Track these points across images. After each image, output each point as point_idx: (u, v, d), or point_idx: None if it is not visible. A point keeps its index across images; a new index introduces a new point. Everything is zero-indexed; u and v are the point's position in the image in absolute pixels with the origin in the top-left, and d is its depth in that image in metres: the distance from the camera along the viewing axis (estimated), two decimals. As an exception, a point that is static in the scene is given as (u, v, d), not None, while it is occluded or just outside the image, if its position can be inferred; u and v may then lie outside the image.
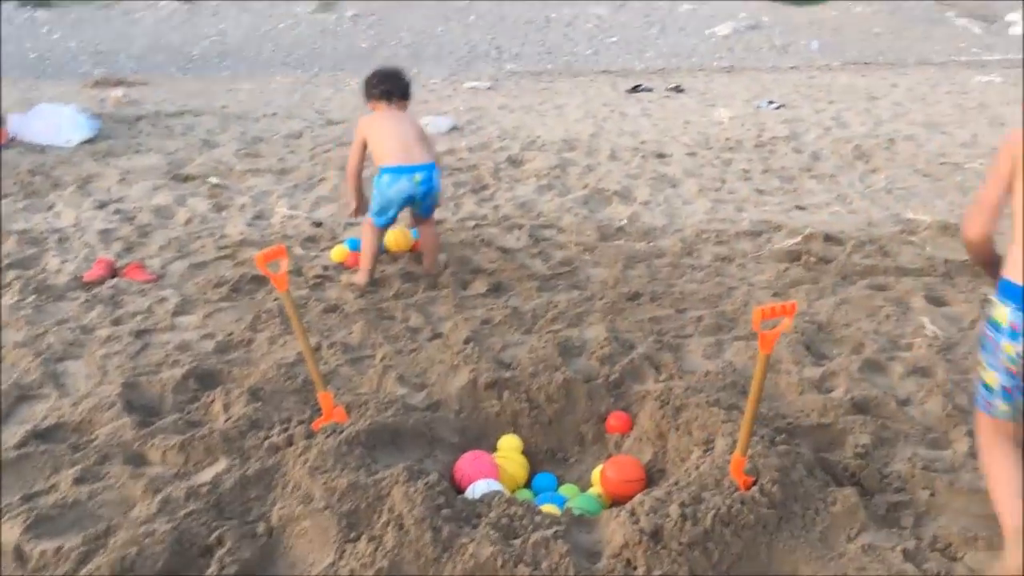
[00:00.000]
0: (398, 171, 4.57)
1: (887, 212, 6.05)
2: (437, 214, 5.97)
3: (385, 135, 4.67)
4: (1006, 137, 2.57)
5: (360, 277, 4.70)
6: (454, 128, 9.18)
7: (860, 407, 3.36)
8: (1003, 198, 2.55)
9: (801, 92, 11.48)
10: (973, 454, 3.02)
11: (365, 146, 4.74)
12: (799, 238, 5.36)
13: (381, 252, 4.90)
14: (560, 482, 3.22)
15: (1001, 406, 2.56)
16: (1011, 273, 2.46)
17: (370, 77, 4.90)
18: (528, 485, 3.19)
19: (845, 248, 5.20)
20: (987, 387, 2.59)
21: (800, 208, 6.22)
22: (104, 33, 18.44)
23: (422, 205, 4.73)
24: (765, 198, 6.50)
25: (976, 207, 2.61)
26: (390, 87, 4.80)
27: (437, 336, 4.08)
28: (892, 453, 3.06)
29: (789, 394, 3.52)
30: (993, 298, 2.52)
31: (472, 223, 5.85)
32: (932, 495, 2.82)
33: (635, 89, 12.04)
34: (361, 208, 4.91)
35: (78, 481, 2.90)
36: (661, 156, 7.83)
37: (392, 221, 4.75)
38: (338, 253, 5.09)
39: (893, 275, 4.79)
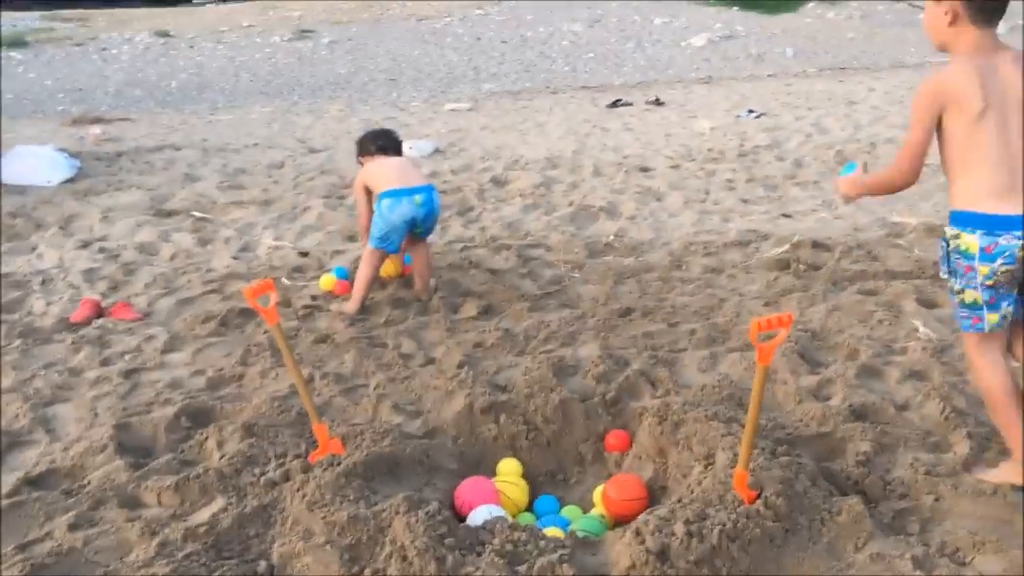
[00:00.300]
0: (398, 194, 4.60)
1: (873, 216, 6.07)
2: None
3: (382, 168, 4.82)
4: (928, 85, 2.78)
5: (351, 305, 4.67)
6: (436, 151, 9.17)
7: (859, 414, 3.35)
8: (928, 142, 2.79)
9: (780, 100, 11.55)
10: (973, 455, 3.02)
11: (369, 193, 4.85)
12: (787, 246, 5.37)
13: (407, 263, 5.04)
14: (562, 504, 3.19)
15: (990, 317, 2.82)
16: (968, 204, 2.76)
17: (365, 136, 5.15)
18: (530, 508, 3.16)
19: (834, 254, 5.22)
20: (971, 306, 2.83)
21: (786, 216, 6.24)
22: (80, 70, 18.39)
23: (423, 228, 4.77)
24: (751, 207, 6.51)
25: (911, 154, 2.80)
26: (385, 143, 5.02)
27: (430, 362, 4.06)
28: (894, 459, 3.05)
29: (787, 404, 3.51)
30: (951, 229, 2.80)
31: (460, 246, 5.83)
32: (937, 500, 2.81)
33: (615, 104, 12.07)
34: None
35: (73, 527, 2.85)
36: (645, 170, 7.84)
37: (396, 248, 4.76)
38: (326, 282, 5.06)
39: (883, 279, 4.80)
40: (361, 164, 5.04)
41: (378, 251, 4.67)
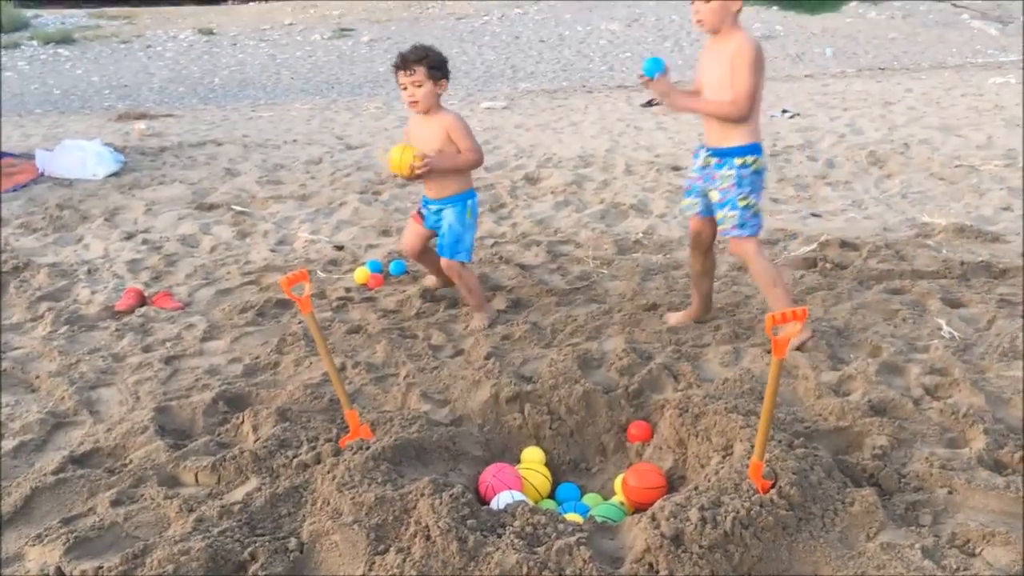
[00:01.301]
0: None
1: (902, 216, 6.08)
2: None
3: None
4: (759, 50, 3.76)
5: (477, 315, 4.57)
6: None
7: (877, 409, 3.40)
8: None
9: (815, 100, 11.51)
10: (990, 451, 3.06)
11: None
12: (815, 245, 5.40)
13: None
14: (583, 492, 3.28)
15: (684, 201, 4.25)
16: (758, 137, 3.90)
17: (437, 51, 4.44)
18: (552, 496, 3.25)
19: (861, 253, 5.24)
20: (759, 214, 4.02)
21: (815, 215, 6.26)
22: (126, 67, 18.78)
23: (437, 242, 4.55)
24: (780, 206, 6.54)
25: (752, 98, 3.77)
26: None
27: (459, 353, 4.16)
28: (910, 453, 3.10)
29: (807, 399, 3.56)
30: (752, 157, 3.88)
31: (491, 241, 5.94)
32: (950, 493, 2.85)
33: (649, 103, 12.10)
34: None
35: (115, 503, 2.99)
36: (676, 169, 7.89)
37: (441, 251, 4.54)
38: (360, 275, 5.19)
39: (909, 278, 4.82)
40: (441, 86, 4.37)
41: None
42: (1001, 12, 21.17)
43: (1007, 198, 6.35)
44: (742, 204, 3.90)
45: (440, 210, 4.49)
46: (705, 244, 4.25)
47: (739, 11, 3.83)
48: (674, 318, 4.40)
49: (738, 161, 3.87)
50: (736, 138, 3.86)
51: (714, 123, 3.92)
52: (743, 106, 3.76)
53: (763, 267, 4.03)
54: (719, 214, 4.00)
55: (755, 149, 3.88)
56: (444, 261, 4.50)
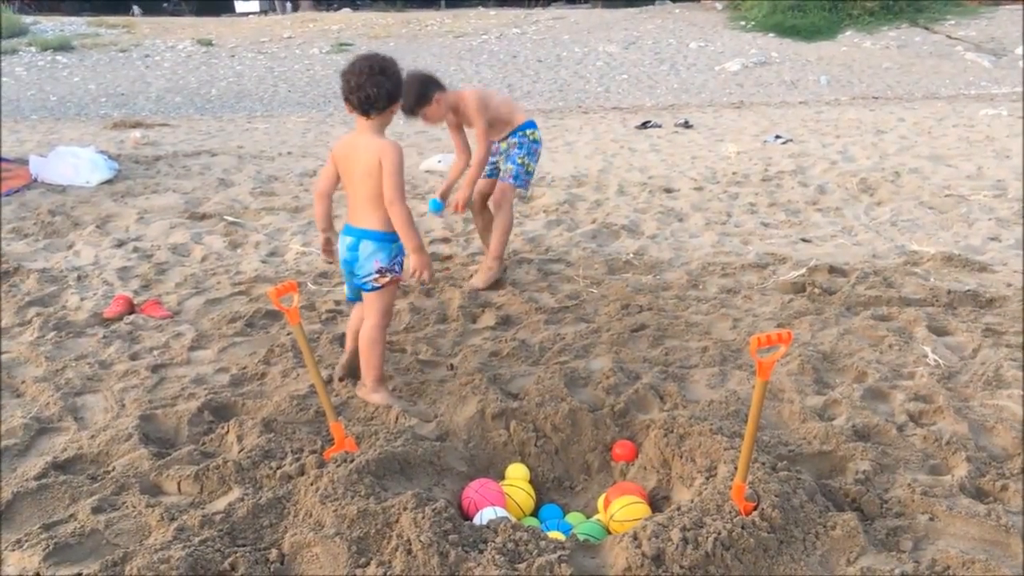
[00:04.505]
0: (344, 230, 3.77)
1: (891, 244, 6.12)
2: (447, 249, 6.09)
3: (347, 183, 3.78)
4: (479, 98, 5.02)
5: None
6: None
7: (861, 434, 3.41)
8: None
9: (808, 127, 11.60)
10: (972, 479, 3.07)
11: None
12: (804, 270, 5.43)
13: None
14: (566, 510, 3.28)
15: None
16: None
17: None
18: (535, 515, 3.25)
19: (849, 279, 5.27)
20: (531, 174, 5.38)
21: (805, 240, 6.29)
22: (123, 76, 18.81)
23: (355, 276, 3.75)
24: (771, 231, 6.58)
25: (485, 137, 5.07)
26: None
27: (446, 368, 4.17)
28: (892, 479, 3.10)
29: (792, 422, 3.57)
30: (531, 130, 5.35)
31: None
32: (931, 519, 2.86)
33: (644, 125, 12.18)
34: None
35: (96, 510, 2.98)
36: (668, 191, 7.93)
37: (355, 296, 3.91)
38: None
39: (896, 305, 4.85)
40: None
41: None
42: (994, 45, 21.38)
43: (995, 228, 6.39)
44: (527, 168, 5.32)
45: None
46: (484, 202, 5.48)
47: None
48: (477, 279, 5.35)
49: (528, 133, 5.32)
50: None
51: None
52: (481, 144, 5.10)
53: (506, 217, 5.33)
54: (504, 169, 5.32)
55: (532, 124, 5.39)
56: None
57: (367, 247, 3.63)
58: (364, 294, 3.75)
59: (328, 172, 3.75)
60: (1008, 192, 7.45)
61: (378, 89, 3.51)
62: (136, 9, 30.78)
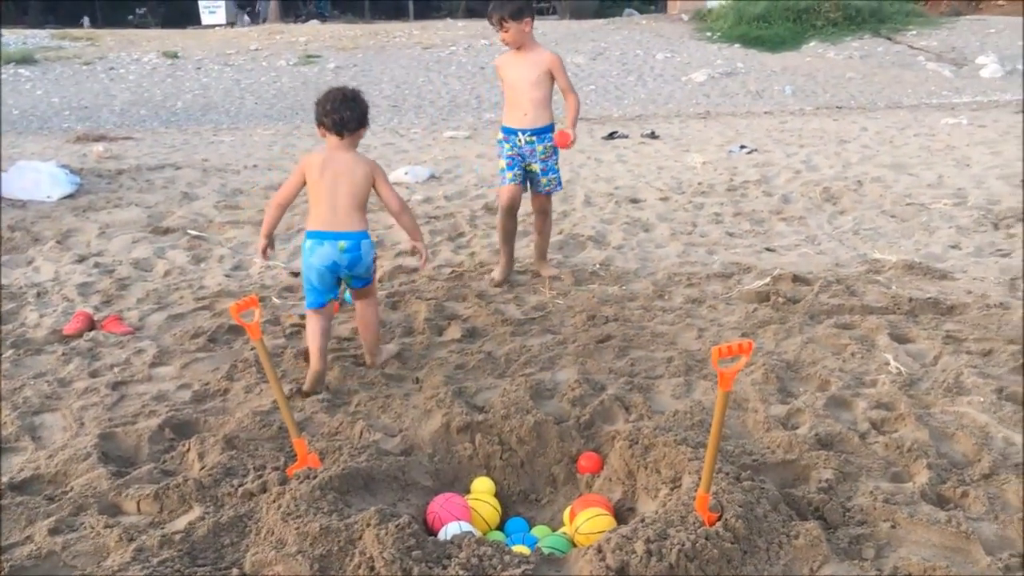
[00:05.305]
0: (320, 236, 4.03)
1: (854, 252, 6.18)
2: (413, 261, 6.07)
3: (316, 192, 4.06)
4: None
5: (311, 364, 4.12)
6: (432, 177, 9.31)
7: (824, 443, 3.43)
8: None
9: (773, 136, 11.70)
10: (933, 486, 3.10)
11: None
12: (768, 279, 5.47)
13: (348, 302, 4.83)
14: (532, 523, 3.27)
15: (508, 175, 5.45)
16: (506, 121, 5.50)
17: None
18: (501, 528, 3.24)
19: (813, 288, 5.31)
20: (502, 169, 5.47)
21: (770, 250, 6.34)
22: (87, 89, 18.61)
23: (353, 277, 4.15)
24: (736, 241, 6.62)
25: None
26: (319, 112, 4.09)
27: (412, 382, 4.14)
28: (855, 487, 3.12)
29: (756, 431, 3.59)
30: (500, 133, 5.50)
31: (448, 270, 5.94)
32: (893, 527, 2.88)
33: (611, 136, 12.22)
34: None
35: (53, 532, 2.93)
36: (635, 201, 7.96)
37: (322, 303, 4.12)
38: None
39: (859, 314, 4.89)
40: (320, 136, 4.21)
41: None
42: (955, 55, 21.72)
43: (955, 236, 6.48)
44: (557, 168, 5.55)
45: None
46: (518, 208, 5.52)
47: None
48: (495, 274, 5.61)
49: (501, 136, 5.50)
50: (548, 118, 5.46)
51: (532, 111, 5.37)
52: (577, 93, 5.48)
53: (499, 218, 5.60)
54: (544, 179, 5.49)
55: (505, 130, 5.53)
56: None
57: (366, 245, 4.10)
58: (359, 290, 4.24)
59: (294, 184, 4.15)
60: (968, 200, 7.56)
61: (351, 112, 4.04)
62: (85, 20, 30.46)
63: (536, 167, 5.46)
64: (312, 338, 4.10)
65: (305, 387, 4.02)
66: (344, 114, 4.02)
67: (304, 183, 4.10)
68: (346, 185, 4.03)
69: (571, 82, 5.46)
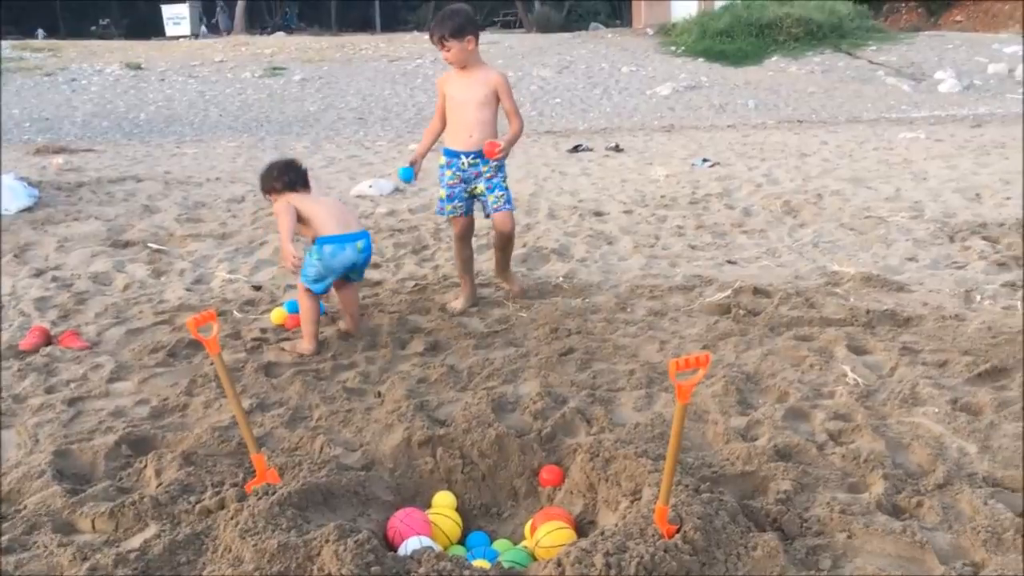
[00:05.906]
0: (341, 240, 4.64)
1: (813, 265, 6.26)
2: (377, 275, 6.07)
3: (319, 209, 4.73)
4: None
5: (305, 345, 4.70)
6: (396, 190, 9.30)
7: (783, 454, 3.46)
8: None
9: (735, 150, 11.84)
10: (888, 496, 3.14)
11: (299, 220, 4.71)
12: (729, 292, 5.52)
13: (321, 314, 4.94)
14: (494, 537, 3.27)
15: (448, 207, 5.29)
16: (449, 143, 5.22)
17: (269, 171, 4.81)
18: (462, 543, 3.23)
19: (773, 300, 5.37)
20: (442, 199, 5.32)
21: (731, 263, 6.41)
22: (48, 100, 18.39)
23: (359, 272, 4.90)
24: (698, 253, 6.68)
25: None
26: (293, 177, 4.78)
27: (373, 396, 4.13)
28: (812, 498, 3.15)
29: (715, 443, 3.62)
30: (444, 158, 5.25)
31: (412, 283, 5.93)
32: (849, 537, 2.91)
33: (576, 149, 12.30)
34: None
35: (5, 551, 2.87)
36: (599, 214, 8.01)
37: (328, 289, 4.77)
38: (277, 315, 5.13)
39: (818, 326, 4.95)
40: (271, 200, 4.83)
41: (314, 292, 4.68)
42: (914, 70, 22.13)
43: (912, 248, 6.59)
44: (505, 185, 5.28)
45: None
46: (471, 235, 5.46)
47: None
48: (456, 304, 5.41)
49: (442, 160, 5.30)
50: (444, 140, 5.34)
51: (477, 132, 5.10)
52: (521, 118, 5.25)
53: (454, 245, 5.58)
54: (491, 196, 5.21)
55: (447, 152, 5.26)
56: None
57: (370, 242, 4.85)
58: (353, 282, 4.93)
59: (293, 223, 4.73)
60: (924, 213, 7.69)
61: (296, 171, 4.88)
62: (40, 32, 30.16)
63: (481, 187, 5.20)
64: (317, 312, 4.77)
65: (347, 327, 4.99)
66: (300, 171, 4.87)
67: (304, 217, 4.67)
68: (337, 203, 5.09)
69: (516, 105, 5.20)
